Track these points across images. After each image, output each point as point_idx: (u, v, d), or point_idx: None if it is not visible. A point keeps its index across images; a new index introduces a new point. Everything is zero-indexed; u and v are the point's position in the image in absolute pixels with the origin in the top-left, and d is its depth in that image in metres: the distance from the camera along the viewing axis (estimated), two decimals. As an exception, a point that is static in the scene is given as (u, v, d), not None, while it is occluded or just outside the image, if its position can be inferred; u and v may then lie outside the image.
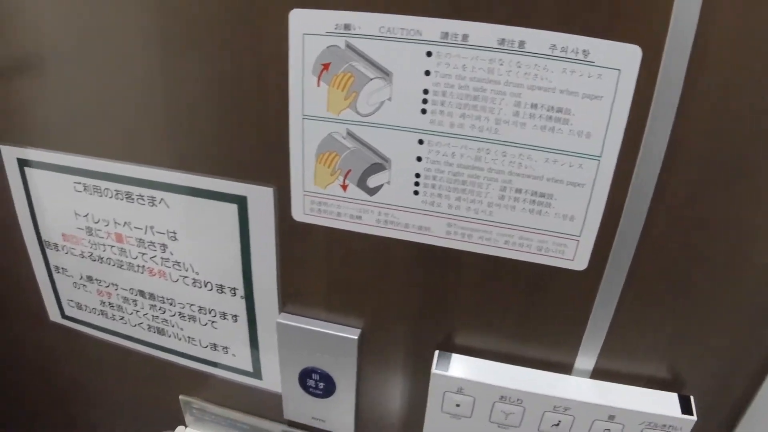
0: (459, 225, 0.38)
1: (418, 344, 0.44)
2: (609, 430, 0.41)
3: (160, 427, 0.58)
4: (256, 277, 0.45)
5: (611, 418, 0.40)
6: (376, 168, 0.38)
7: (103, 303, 0.55)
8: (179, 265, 0.48)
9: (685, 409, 0.39)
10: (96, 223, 0.49)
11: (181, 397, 0.56)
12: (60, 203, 0.50)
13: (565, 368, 0.42)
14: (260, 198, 0.41)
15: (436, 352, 0.43)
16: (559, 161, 0.34)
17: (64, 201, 0.49)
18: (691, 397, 0.40)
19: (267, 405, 0.53)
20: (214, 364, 0.53)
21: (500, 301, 0.40)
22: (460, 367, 0.42)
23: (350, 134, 0.37)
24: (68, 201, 0.49)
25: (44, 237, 0.53)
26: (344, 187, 0.39)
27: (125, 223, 0.48)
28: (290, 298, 0.45)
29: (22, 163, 0.49)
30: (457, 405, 0.42)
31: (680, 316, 0.38)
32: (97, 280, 0.53)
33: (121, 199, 0.47)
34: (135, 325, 0.54)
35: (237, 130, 0.40)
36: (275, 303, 0.46)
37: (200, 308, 0.49)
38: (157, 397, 0.59)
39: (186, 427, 0.58)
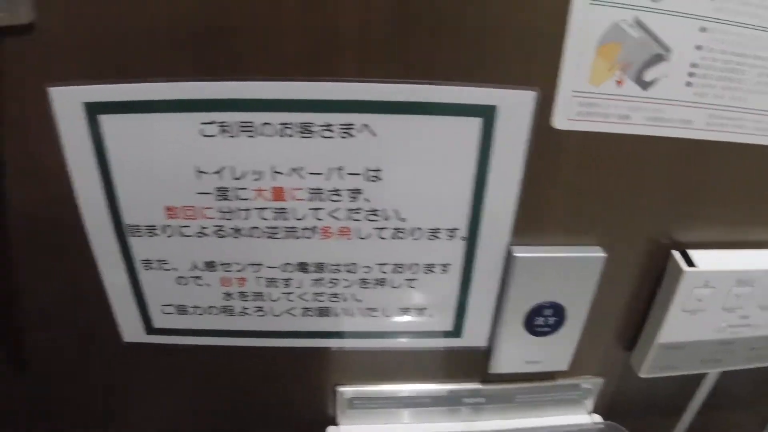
0: (719, 115, 0.38)
1: (653, 249, 0.43)
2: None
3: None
4: (487, 210, 0.38)
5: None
6: (656, 59, 0.35)
7: (228, 296, 0.41)
8: (375, 214, 0.38)
9: None
10: (237, 179, 0.36)
11: (338, 388, 0.46)
12: (167, 162, 0.36)
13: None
14: (517, 106, 0.35)
15: (674, 252, 0.42)
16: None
17: (178, 156, 0.35)
18: None
19: (454, 368, 0.46)
20: (396, 335, 0.44)
21: (737, 188, 0.41)
22: (703, 260, 0.42)
23: (638, 22, 0.34)
24: (185, 155, 0.35)
25: (128, 220, 0.38)
26: (620, 83, 0.36)
27: (294, 170, 0.36)
28: (525, 227, 0.40)
29: (94, 110, 0.34)
30: (699, 300, 0.42)
31: None
32: (223, 264, 0.40)
33: (291, 136, 0.35)
34: (279, 315, 0.42)
35: (491, 19, 0.33)
36: (504, 237, 0.40)
37: (396, 266, 0.40)
38: (299, 399, 0.47)
39: (338, 426, 0.47)
